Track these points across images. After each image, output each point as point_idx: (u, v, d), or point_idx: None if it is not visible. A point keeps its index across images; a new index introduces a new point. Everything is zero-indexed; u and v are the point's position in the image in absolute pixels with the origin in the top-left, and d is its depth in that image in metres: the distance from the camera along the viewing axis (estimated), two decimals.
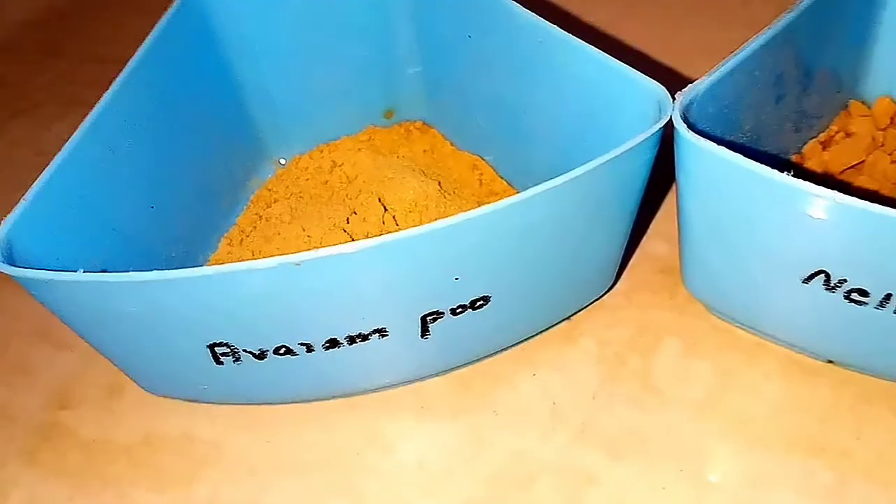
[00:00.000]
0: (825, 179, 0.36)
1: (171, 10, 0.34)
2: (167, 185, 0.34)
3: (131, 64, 0.32)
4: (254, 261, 0.24)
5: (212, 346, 0.27)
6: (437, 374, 0.32)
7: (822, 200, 0.23)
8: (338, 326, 0.27)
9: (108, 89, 0.32)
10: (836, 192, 0.23)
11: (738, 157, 0.24)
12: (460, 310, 0.28)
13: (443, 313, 0.28)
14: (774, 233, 0.26)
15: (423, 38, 0.37)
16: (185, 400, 0.33)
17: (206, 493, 0.31)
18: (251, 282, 0.24)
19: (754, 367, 0.32)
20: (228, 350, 0.27)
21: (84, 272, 0.25)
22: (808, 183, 0.24)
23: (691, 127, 0.26)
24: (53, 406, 0.34)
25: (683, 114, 0.26)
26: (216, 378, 0.29)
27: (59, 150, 0.43)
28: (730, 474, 0.29)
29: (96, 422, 0.33)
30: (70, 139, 0.30)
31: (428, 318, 0.28)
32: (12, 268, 0.25)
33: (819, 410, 0.31)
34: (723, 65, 0.28)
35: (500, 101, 0.35)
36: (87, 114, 0.45)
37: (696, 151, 0.25)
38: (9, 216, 0.27)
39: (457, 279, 0.26)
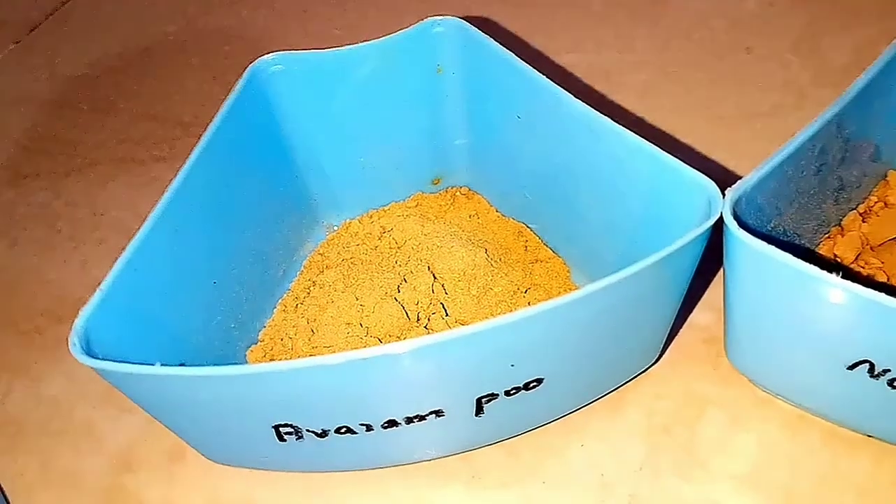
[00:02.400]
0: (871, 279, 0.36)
1: (235, 92, 0.35)
2: (227, 257, 0.35)
3: (198, 147, 0.33)
4: (322, 356, 0.25)
5: (277, 427, 0.29)
6: (487, 445, 0.33)
7: (867, 302, 0.24)
8: (397, 410, 0.28)
9: (173, 163, 0.33)
10: (882, 293, 0.24)
11: (788, 258, 0.25)
12: (514, 391, 0.29)
13: (497, 395, 0.29)
14: (820, 325, 0.27)
15: (472, 114, 0.39)
16: (244, 467, 0.34)
17: None
18: (320, 374, 0.26)
19: (796, 440, 0.33)
20: (292, 430, 0.29)
21: (161, 365, 0.26)
22: (854, 284, 0.24)
23: (740, 221, 0.27)
24: (118, 470, 0.35)
25: (733, 209, 0.27)
26: (278, 451, 0.30)
27: (116, 209, 0.45)
28: None
29: (159, 486, 0.35)
30: (141, 228, 0.31)
31: (483, 400, 0.29)
32: (92, 360, 0.26)
33: (860, 485, 0.31)
34: (771, 158, 0.29)
35: (545, 176, 0.37)
36: (140, 172, 0.47)
37: (746, 249, 0.26)
38: (84, 308, 0.28)
39: (512, 366, 0.27)
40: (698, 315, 0.37)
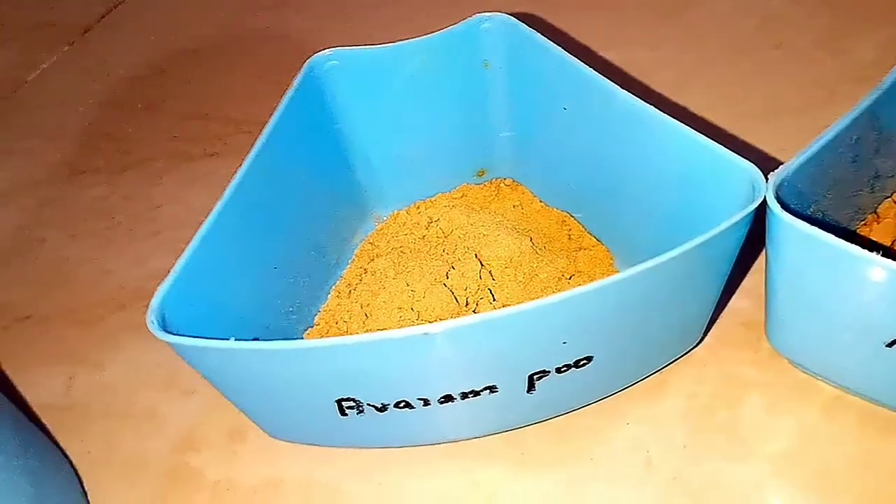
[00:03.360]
0: None
1: (293, 86, 0.37)
2: (286, 245, 0.37)
3: (260, 138, 0.35)
4: (388, 331, 0.27)
5: (339, 401, 0.30)
6: (535, 423, 0.35)
7: None
8: (454, 385, 0.30)
9: (239, 158, 0.35)
10: None
11: (832, 238, 0.26)
12: (565, 368, 0.30)
13: (549, 372, 0.30)
14: (860, 304, 0.28)
15: (517, 107, 0.40)
16: (304, 444, 0.35)
17: None
18: (385, 348, 0.27)
19: (835, 422, 0.34)
20: (354, 404, 0.30)
21: (235, 340, 0.27)
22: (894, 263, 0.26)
23: (783, 204, 0.28)
24: (182, 448, 0.37)
25: (776, 192, 0.28)
26: (339, 426, 0.32)
27: (170, 203, 0.46)
28: None
29: (221, 464, 0.36)
30: (211, 212, 0.32)
31: (535, 377, 0.30)
32: (170, 335, 0.28)
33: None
34: (810, 146, 0.30)
35: (590, 167, 0.38)
36: (193, 168, 0.49)
37: (789, 231, 0.27)
38: (159, 289, 0.30)
39: (565, 343, 0.29)
40: (737, 301, 0.38)
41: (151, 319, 0.28)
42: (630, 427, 0.35)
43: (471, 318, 0.26)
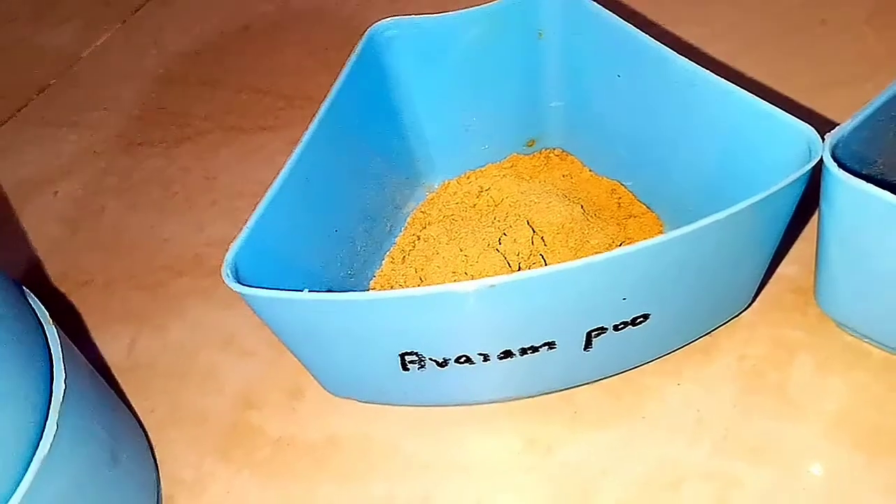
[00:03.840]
0: None
1: (353, 56, 0.37)
2: (345, 210, 0.38)
3: (323, 106, 0.36)
4: (453, 283, 0.28)
5: (402, 355, 0.31)
6: (589, 383, 0.36)
7: None
8: (514, 340, 0.30)
9: (303, 125, 0.35)
10: None
11: (888, 195, 0.27)
12: (622, 326, 0.31)
13: (606, 329, 0.31)
14: None
15: (569, 77, 0.41)
16: (362, 402, 0.37)
17: (384, 489, 0.34)
18: (450, 301, 0.28)
19: (884, 383, 0.35)
20: (417, 359, 0.31)
21: (308, 291, 0.29)
22: None
23: (839, 164, 0.29)
24: (242, 406, 0.38)
25: (832, 152, 0.29)
26: (398, 382, 0.33)
27: (226, 174, 0.48)
28: (862, 480, 0.32)
29: (281, 421, 0.37)
30: (279, 173, 0.33)
31: (593, 333, 0.31)
32: (244, 287, 0.29)
33: None
34: (864, 109, 0.31)
35: (642, 134, 0.39)
36: (247, 141, 0.50)
37: (845, 189, 0.28)
38: (233, 243, 0.31)
39: (624, 299, 0.30)
40: (785, 268, 0.39)
41: (226, 272, 0.30)
42: (681, 387, 0.36)
43: (535, 272, 0.27)
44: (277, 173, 0.33)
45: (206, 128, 0.53)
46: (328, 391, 0.36)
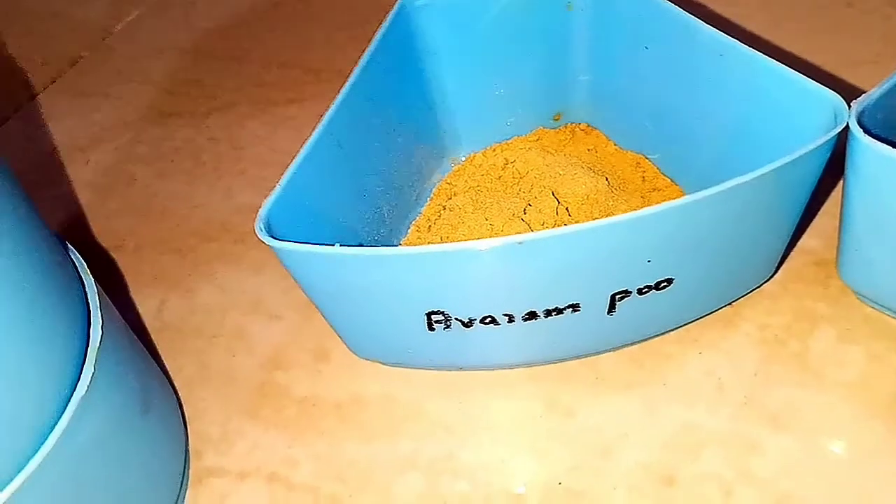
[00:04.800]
0: None
1: (384, 24, 0.38)
2: (373, 177, 0.39)
3: (355, 72, 0.36)
4: (482, 240, 0.28)
5: (429, 314, 0.32)
6: (611, 350, 0.36)
7: None
8: (540, 300, 0.31)
9: (331, 93, 0.36)
10: None
11: None
12: (646, 290, 0.32)
13: (630, 292, 0.31)
14: None
15: (597, 50, 0.41)
16: (386, 364, 0.37)
17: (409, 447, 0.35)
18: (477, 257, 0.29)
19: None
20: (443, 318, 0.32)
21: (340, 246, 0.29)
22: None
23: (865, 130, 0.29)
24: (270, 367, 0.39)
25: (858, 119, 0.29)
26: (424, 343, 0.34)
27: (254, 145, 0.48)
28: (881, 448, 0.32)
29: (307, 381, 0.38)
30: (311, 135, 0.34)
31: (617, 297, 0.31)
32: (277, 241, 0.30)
33: None
34: (891, 78, 0.31)
35: (669, 106, 0.39)
36: (276, 113, 0.51)
37: (871, 155, 0.29)
38: (266, 199, 0.32)
39: (649, 261, 0.30)
40: (807, 241, 0.39)
41: (260, 227, 0.30)
42: (702, 355, 0.36)
43: (562, 230, 0.28)
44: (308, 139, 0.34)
45: (234, 100, 0.53)
46: (354, 353, 0.36)
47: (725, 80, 0.35)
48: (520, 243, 0.28)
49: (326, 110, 0.35)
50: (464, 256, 0.28)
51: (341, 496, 0.34)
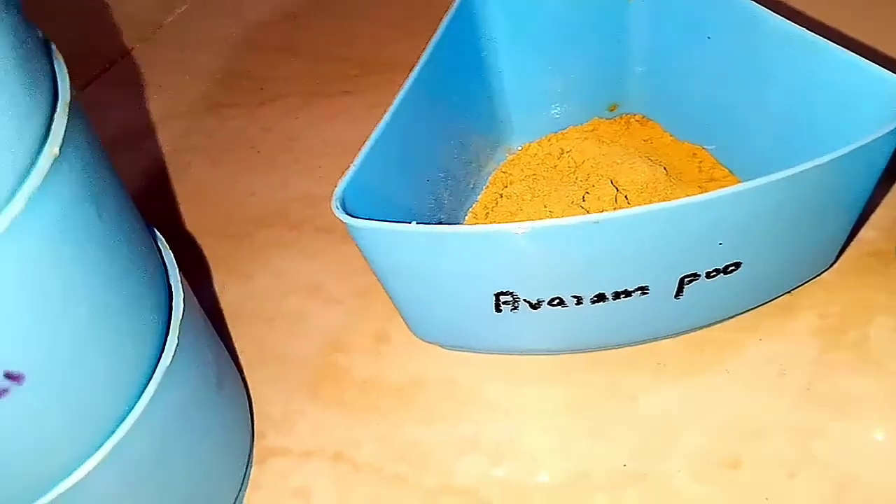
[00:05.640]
0: None
1: (449, 13, 0.39)
2: (433, 165, 0.39)
3: (420, 61, 0.37)
4: (559, 218, 0.29)
5: (498, 295, 0.32)
6: (673, 336, 0.36)
7: None
8: (610, 282, 0.31)
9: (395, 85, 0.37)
10: None
11: None
12: (714, 273, 0.32)
13: (699, 276, 0.32)
14: None
15: (656, 41, 0.41)
16: (446, 348, 0.38)
17: (470, 429, 0.35)
18: (554, 235, 0.29)
19: None
20: (511, 299, 0.32)
21: (417, 224, 0.30)
22: None
23: None
24: (329, 350, 0.39)
25: None
26: (489, 325, 0.34)
27: (307, 136, 0.49)
28: None
29: (368, 364, 0.38)
30: (378, 124, 0.35)
31: (686, 280, 0.32)
32: (353, 219, 0.30)
33: None
34: None
35: (727, 96, 0.39)
36: (327, 105, 0.52)
37: None
38: (341, 179, 0.32)
39: (721, 244, 0.30)
40: (866, 232, 0.40)
41: (336, 205, 0.31)
42: (763, 342, 0.36)
43: (640, 209, 0.28)
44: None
45: (285, 92, 0.54)
46: (415, 334, 0.37)
47: (789, 68, 0.35)
48: (597, 222, 0.28)
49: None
50: (540, 234, 0.29)
51: (405, 476, 0.34)
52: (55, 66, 0.23)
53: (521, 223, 0.29)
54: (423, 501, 0.33)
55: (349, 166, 0.33)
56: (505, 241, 0.29)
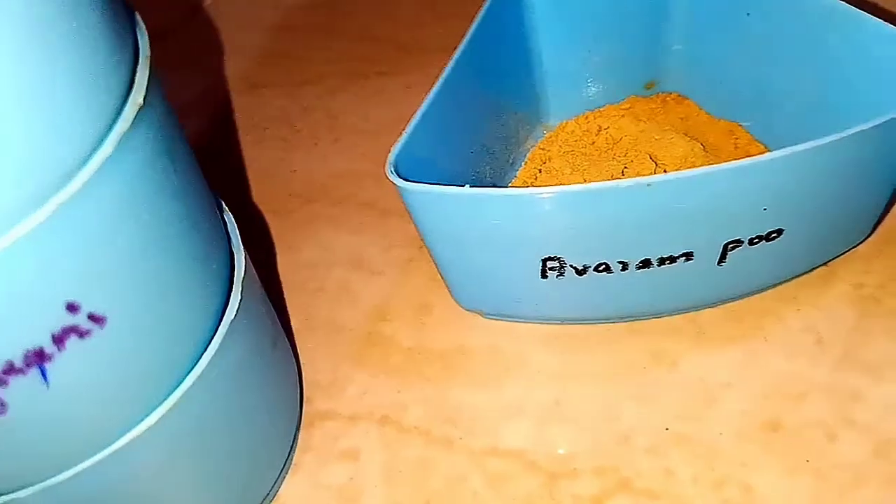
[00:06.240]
0: None
1: None
2: (475, 139, 0.40)
3: (465, 38, 0.38)
4: (611, 181, 0.29)
5: (545, 260, 0.33)
6: (713, 305, 0.37)
7: None
8: (656, 246, 0.32)
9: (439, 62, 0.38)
10: None
11: None
12: (757, 240, 0.33)
13: (742, 242, 0.32)
14: None
15: (695, 17, 0.42)
16: (488, 317, 0.38)
17: (516, 393, 0.36)
18: (606, 197, 0.30)
19: None
20: (558, 264, 0.33)
21: (469, 186, 0.31)
22: None
23: None
24: (374, 319, 0.40)
25: None
26: (534, 291, 0.35)
27: (347, 114, 0.50)
28: None
29: (412, 332, 0.39)
30: (426, 97, 0.36)
31: (729, 246, 0.33)
32: (407, 182, 0.31)
33: None
34: None
35: (766, 72, 0.40)
36: (366, 85, 0.53)
37: None
38: (394, 147, 0.33)
39: (765, 209, 0.31)
40: None
41: (390, 170, 0.32)
42: (800, 311, 0.37)
43: (692, 171, 0.29)
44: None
45: (325, 72, 0.55)
46: (458, 303, 0.38)
47: (828, 43, 0.36)
48: (648, 185, 0.29)
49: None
50: (594, 196, 0.30)
51: (452, 438, 0.35)
52: (134, 20, 0.24)
53: (576, 185, 0.30)
54: (470, 463, 0.34)
55: (400, 135, 0.34)
56: (558, 203, 0.30)
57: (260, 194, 0.48)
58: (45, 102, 0.19)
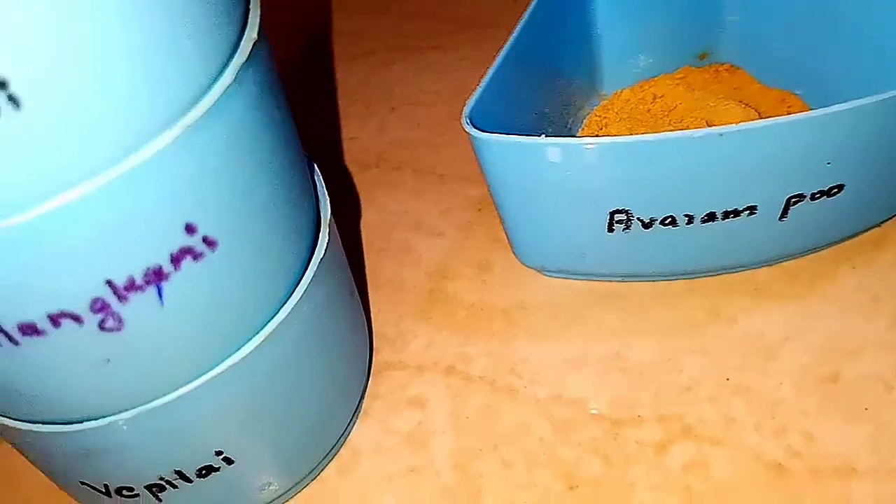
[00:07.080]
0: None
1: None
2: (537, 103, 0.41)
3: (526, 13, 0.40)
4: (683, 130, 0.30)
5: (612, 213, 0.34)
6: (772, 263, 0.38)
7: None
8: (722, 199, 0.33)
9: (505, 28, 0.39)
10: None
11: None
12: (818, 195, 0.34)
13: (804, 196, 0.33)
14: None
15: None
16: (549, 274, 0.40)
17: (577, 346, 0.37)
18: (679, 147, 0.31)
19: None
20: (625, 217, 0.34)
21: (545, 136, 0.32)
22: None
23: None
24: (436, 277, 0.42)
25: None
26: (599, 245, 0.36)
27: (402, 86, 0.51)
28: None
29: (473, 290, 0.41)
30: (496, 57, 0.37)
31: (791, 200, 0.34)
32: (483, 133, 0.32)
33: None
34: None
35: (819, 41, 0.41)
36: (420, 59, 0.54)
37: None
38: (468, 100, 0.34)
39: (829, 164, 0.32)
40: None
41: (466, 122, 0.33)
42: (855, 270, 0.38)
43: (764, 121, 0.30)
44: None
45: (379, 46, 0.56)
46: (519, 259, 0.39)
47: (883, 9, 0.37)
48: (720, 135, 0.30)
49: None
50: (667, 146, 0.31)
51: (517, 387, 0.36)
52: None
53: (650, 135, 0.31)
54: (534, 410, 0.35)
55: (470, 95, 0.35)
56: (631, 151, 0.31)
57: (321, 160, 0.49)
58: (179, 31, 0.21)
